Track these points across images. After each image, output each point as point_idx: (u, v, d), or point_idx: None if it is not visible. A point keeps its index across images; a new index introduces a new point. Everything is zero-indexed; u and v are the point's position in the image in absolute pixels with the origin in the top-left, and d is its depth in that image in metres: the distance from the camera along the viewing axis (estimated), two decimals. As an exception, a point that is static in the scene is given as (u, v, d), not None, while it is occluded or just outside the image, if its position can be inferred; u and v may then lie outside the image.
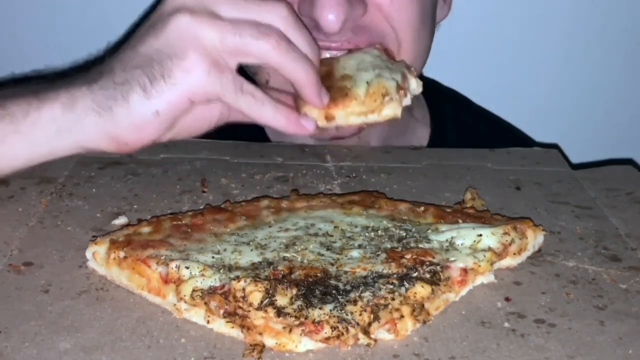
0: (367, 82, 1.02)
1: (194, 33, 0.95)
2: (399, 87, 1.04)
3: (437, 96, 1.54)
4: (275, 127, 1.00)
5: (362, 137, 1.34)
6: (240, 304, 0.78)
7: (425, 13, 1.26)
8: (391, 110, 1.03)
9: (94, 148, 0.99)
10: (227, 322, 0.79)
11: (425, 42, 1.29)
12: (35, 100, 0.97)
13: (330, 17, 1.12)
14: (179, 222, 0.93)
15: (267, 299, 0.77)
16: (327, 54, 1.16)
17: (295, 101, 1.04)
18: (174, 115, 0.97)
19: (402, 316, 0.79)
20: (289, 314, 0.76)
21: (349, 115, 1.02)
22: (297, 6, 1.16)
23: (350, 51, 1.14)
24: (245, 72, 1.08)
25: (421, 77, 1.46)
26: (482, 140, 1.46)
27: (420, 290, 0.81)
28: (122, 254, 0.86)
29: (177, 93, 0.95)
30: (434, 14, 1.32)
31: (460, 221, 0.94)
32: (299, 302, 0.78)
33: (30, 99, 0.98)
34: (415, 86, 1.09)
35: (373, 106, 1.02)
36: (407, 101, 1.07)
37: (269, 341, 0.76)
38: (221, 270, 0.82)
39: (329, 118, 1.01)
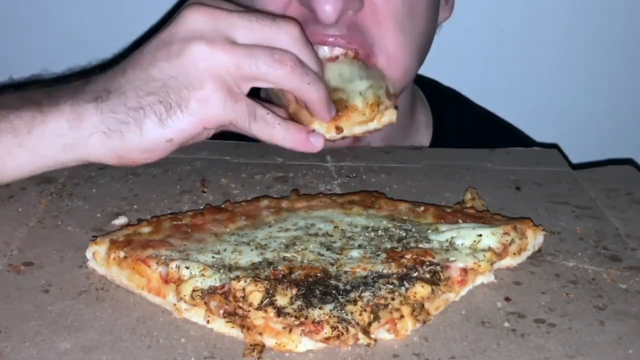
0: (360, 93, 1.06)
1: (211, 62, 0.95)
2: (389, 94, 1.08)
3: (438, 96, 1.54)
4: (285, 146, 1.01)
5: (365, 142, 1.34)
6: (240, 304, 0.78)
7: (423, 16, 1.25)
8: (388, 117, 1.07)
9: (98, 162, 1.00)
10: (227, 322, 0.79)
11: (422, 49, 1.27)
12: (39, 114, 0.97)
13: (327, 7, 1.12)
14: (179, 222, 0.93)
15: (267, 299, 0.77)
16: (325, 48, 1.17)
17: (297, 115, 1.05)
18: (187, 140, 0.99)
19: (402, 316, 0.79)
20: (289, 314, 0.76)
21: (353, 125, 1.06)
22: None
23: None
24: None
25: (422, 77, 1.46)
26: (482, 140, 1.45)
27: (420, 290, 0.81)
28: (122, 254, 0.86)
29: (193, 122, 0.96)
30: (435, 17, 1.31)
31: (460, 221, 0.94)
32: (299, 302, 0.78)
33: (34, 112, 0.97)
34: (392, 91, 1.13)
35: (372, 115, 1.06)
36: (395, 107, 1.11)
37: (269, 341, 0.76)
38: (221, 270, 0.82)
39: (338, 130, 1.04)
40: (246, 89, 0.98)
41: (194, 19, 0.97)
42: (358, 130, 1.06)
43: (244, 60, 0.95)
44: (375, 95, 1.06)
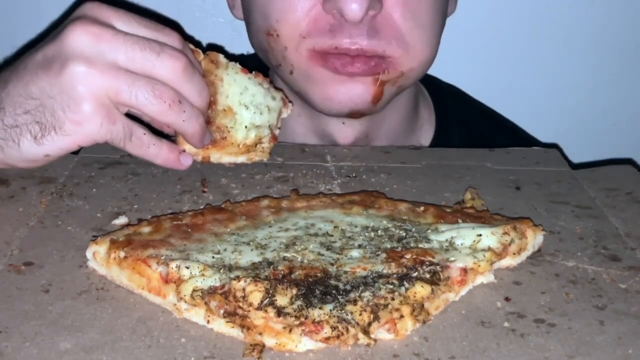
0: (246, 127, 1.08)
1: (89, 85, 0.95)
2: (273, 136, 1.11)
3: (440, 93, 1.54)
4: (157, 163, 1.05)
5: (369, 137, 1.35)
6: (240, 304, 0.78)
7: (436, 17, 1.27)
8: (259, 157, 1.11)
9: None
10: (227, 322, 0.79)
11: (435, 47, 1.30)
12: None
13: (354, 5, 1.15)
14: (179, 222, 0.93)
15: (267, 299, 0.78)
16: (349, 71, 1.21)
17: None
18: (64, 154, 1.01)
19: (402, 316, 0.79)
20: (289, 314, 0.76)
21: (223, 155, 1.10)
22: (321, 4, 1.19)
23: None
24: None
25: (424, 75, 1.46)
26: (484, 137, 1.46)
27: (420, 290, 0.81)
28: (122, 253, 0.86)
29: (68, 142, 0.98)
30: (445, 15, 1.33)
31: (460, 221, 0.94)
32: (299, 302, 0.78)
33: None
34: (286, 115, 1.15)
35: (245, 151, 1.10)
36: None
37: (269, 341, 0.77)
38: (221, 270, 0.82)
39: (205, 158, 1.09)
40: (124, 110, 1.00)
41: (76, 38, 0.95)
42: (226, 159, 1.10)
43: (124, 87, 0.96)
44: (258, 137, 1.09)
